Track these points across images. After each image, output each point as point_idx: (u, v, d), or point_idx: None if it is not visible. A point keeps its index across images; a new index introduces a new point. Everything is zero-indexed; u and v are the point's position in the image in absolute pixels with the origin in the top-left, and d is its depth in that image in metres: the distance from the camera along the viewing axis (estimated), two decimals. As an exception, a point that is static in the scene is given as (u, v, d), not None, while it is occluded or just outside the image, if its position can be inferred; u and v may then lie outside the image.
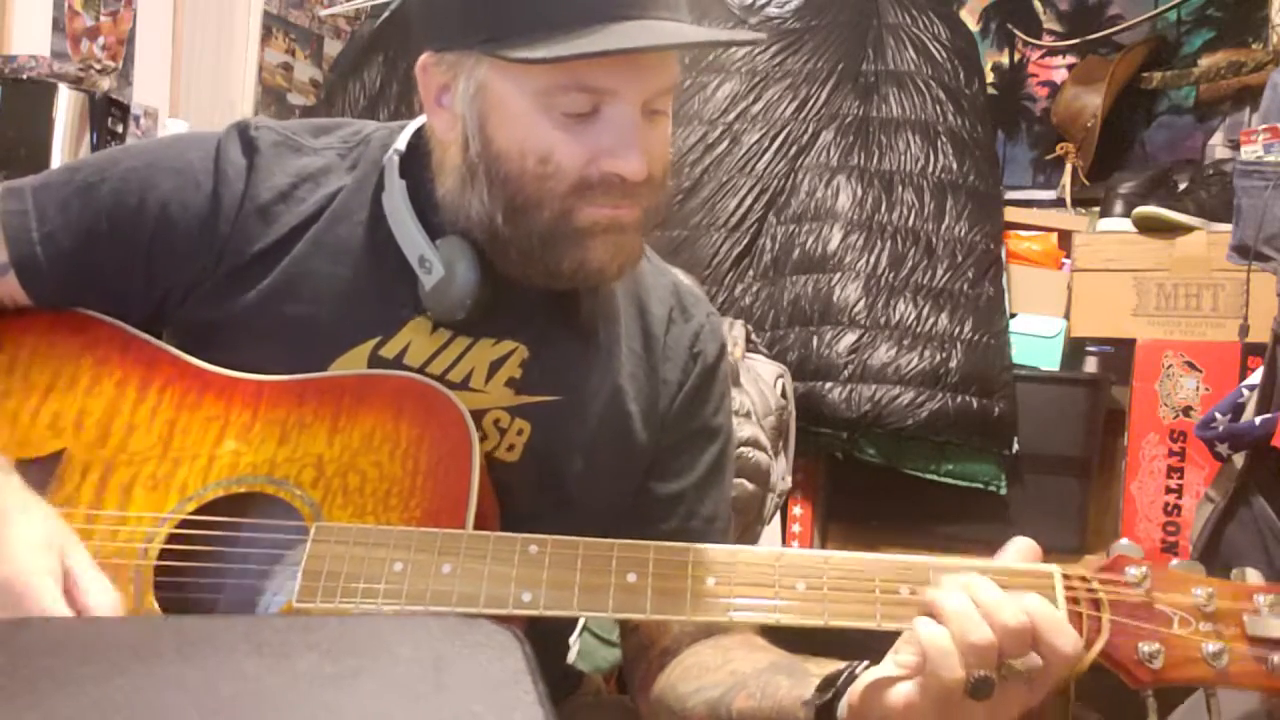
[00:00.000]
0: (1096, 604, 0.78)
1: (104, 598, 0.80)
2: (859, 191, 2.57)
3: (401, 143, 0.99)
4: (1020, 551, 0.81)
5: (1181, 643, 0.77)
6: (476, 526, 0.86)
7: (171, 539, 0.87)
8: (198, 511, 0.88)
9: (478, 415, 0.93)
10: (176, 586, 0.86)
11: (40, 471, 0.89)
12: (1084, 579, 0.79)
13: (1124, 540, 0.82)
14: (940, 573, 0.79)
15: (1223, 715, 0.80)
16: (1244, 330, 2.21)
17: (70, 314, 0.97)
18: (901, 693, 0.75)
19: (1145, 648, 0.77)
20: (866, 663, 0.80)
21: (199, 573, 0.86)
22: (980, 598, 0.74)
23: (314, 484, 0.88)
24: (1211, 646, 0.76)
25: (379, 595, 0.81)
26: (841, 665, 0.81)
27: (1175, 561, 0.81)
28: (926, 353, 2.43)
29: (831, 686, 0.80)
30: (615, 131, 0.87)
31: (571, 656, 1.34)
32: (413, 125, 1.01)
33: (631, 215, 0.91)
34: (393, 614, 0.81)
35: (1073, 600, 0.78)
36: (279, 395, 0.92)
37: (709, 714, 0.90)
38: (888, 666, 0.78)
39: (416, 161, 0.98)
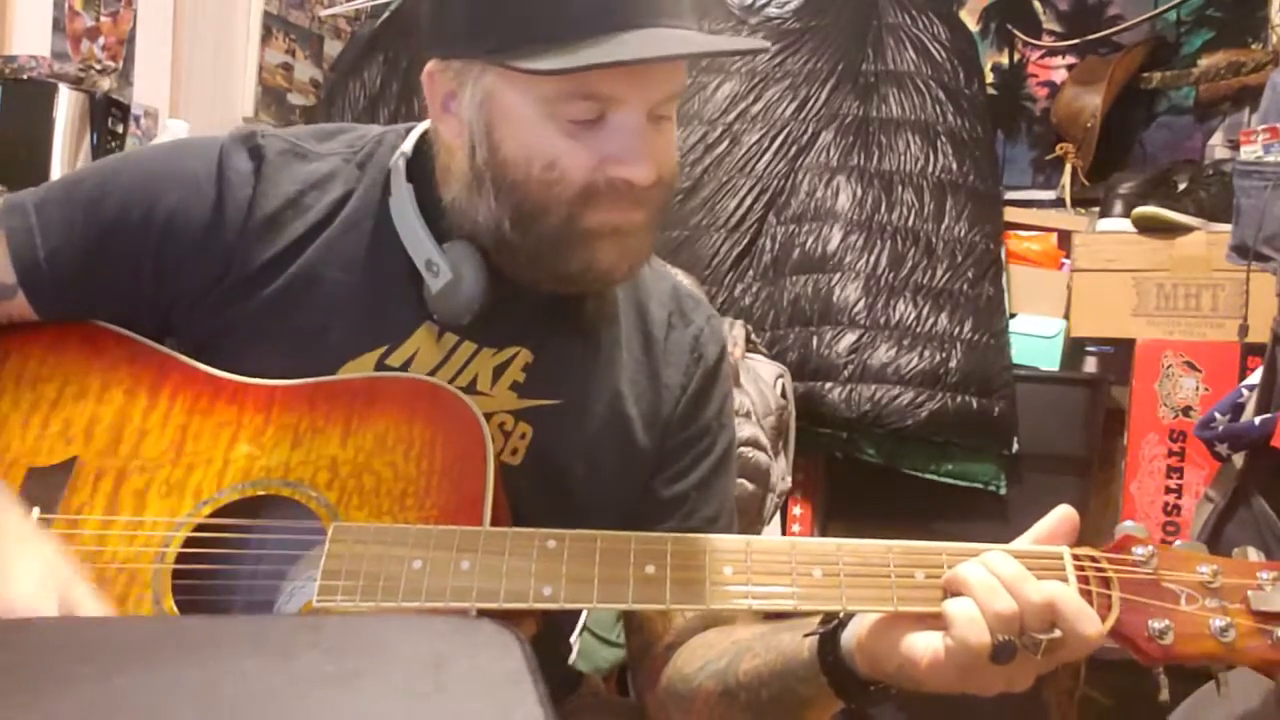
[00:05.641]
0: (1106, 582, 0.79)
1: None
2: (859, 191, 2.57)
3: (408, 146, 0.98)
4: (1058, 519, 0.83)
5: (1190, 619, 0.78)
6: (492, 525, 0.86)
7: (188, 543, 0.87)
8: (213, 515, 0.88)
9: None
10: (195, 590, 0.86)
11: (52, 480, 0.89)
12: (1093, 558, 0.80)
13: (1128, 521, 0.83)
14: (954, 556, 0.80)
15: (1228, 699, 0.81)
16: (1243, 330, 2.21)
17: (77, 324, 0.97)
18: (927, 649, 0.77)
19: (1155, 624, 0.78)
20: None
21: (217, 575, 0.86)
22: (1000, 571, 0.77)
23: (329, 485, 0.88)
24: (1219, 622, 0.77)
25: (399, 593, 0.81)
26: None
27: (1179, 542, 0.82)
28: (926, 353, 2.43)
29: (834, 619, 0.83)
30: (622, 138, 0.87)
31: (571, 657, 1.34)
32: (419, 129, 1.00)
33: (639, 218, 0.90)
34: (413, 610, 0.81)
35: (1083, 579, 0.79)
36: (290, 399, 0.92)
37: (717, 685, 0.91)
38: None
39: (423, 165, 0.97)
